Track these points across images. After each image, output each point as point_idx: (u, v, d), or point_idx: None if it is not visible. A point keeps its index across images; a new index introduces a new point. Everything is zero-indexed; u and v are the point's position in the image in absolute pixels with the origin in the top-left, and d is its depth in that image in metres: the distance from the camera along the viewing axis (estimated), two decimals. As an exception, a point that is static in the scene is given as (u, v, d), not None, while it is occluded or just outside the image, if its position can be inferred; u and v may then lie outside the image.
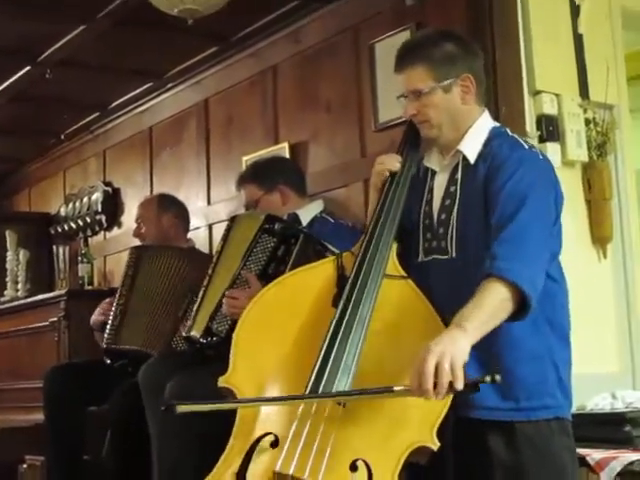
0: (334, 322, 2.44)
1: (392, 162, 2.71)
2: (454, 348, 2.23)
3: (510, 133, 2.72)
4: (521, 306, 2.38)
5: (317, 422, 2.34)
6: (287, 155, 4.98)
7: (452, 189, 2.67)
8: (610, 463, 3.17)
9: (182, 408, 2.32)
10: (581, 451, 3.07)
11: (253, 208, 3.99)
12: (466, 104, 2.67)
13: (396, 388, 2.27)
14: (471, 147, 2.65)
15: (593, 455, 3.21)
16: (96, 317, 4.63)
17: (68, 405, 4.48)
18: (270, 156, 4.87)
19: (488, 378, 2.23)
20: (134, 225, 5.00)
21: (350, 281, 2.51)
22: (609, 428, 3.45)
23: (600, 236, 4.02)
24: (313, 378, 2.37)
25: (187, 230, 5.00)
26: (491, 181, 2.55)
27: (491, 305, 2.34)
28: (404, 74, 2.68)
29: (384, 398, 2.33)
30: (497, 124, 2.76)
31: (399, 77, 2.71)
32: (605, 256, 4.05)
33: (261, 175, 4.00)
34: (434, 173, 2.75)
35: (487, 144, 2.64)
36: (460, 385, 2.21)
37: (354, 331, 2.42)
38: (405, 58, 2.69)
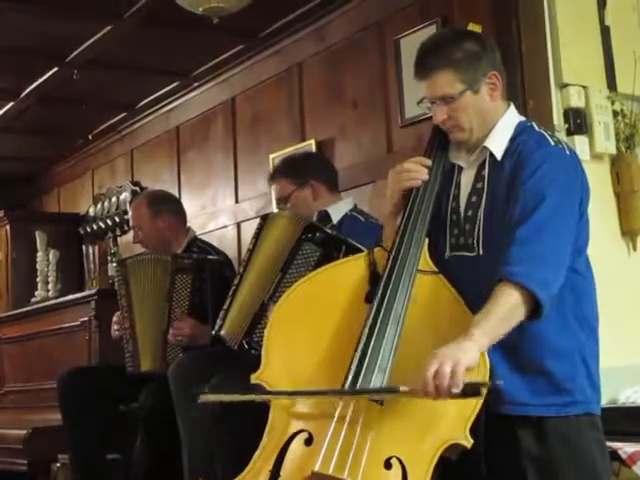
0: (370, 320, 2.43)
1: (421, 171, 2.64)
2: (457, 352, 2.26)
3: (537, 128, 2.68)
4: (536, 307, 2.38)
5: (354, 421, 2.34)
6: (314, 152, 4.97)
7: (479, 185, 2.64)
8: (643, 456, 3.16)
9: (205, 398, 2.42)
10: (613, 445, 3.05)
11: (284, 203, 3.99)
12: (494, 101, 2.64)
13: (402, 388, 2.28)
14: (498, 143, 2.62)
15: (625, 448, 3.18)
16: (114, 332, 4.60)
17: (83, 407, 4.47)
18: (302, 152, 4.86)
19: (489, 383, 2.27)
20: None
21: (384, 277, 2.49)
22: (641, 421, 3.43)
23: (630, 229, 4.00)
24: (350, 377, 2.36)
25: (185, 220, 4.79)
26: (515, 177, 2.53)
27: (502, 310, 2.35)
28: (429, 79, 2.61)
29: (393, 396, 2.33)
30: (523, 118, 2.73)
31: (422, 83, 2.63)
32: (635, 248, 4.03)
33: (293, 170, 3.98)
34: (461, 168, 2.72)
35: (513, 140, 2.61)
36: (456, 389, 2.23)
37: (389, 328, 2.41)
38: (428, 63, 2.60)
